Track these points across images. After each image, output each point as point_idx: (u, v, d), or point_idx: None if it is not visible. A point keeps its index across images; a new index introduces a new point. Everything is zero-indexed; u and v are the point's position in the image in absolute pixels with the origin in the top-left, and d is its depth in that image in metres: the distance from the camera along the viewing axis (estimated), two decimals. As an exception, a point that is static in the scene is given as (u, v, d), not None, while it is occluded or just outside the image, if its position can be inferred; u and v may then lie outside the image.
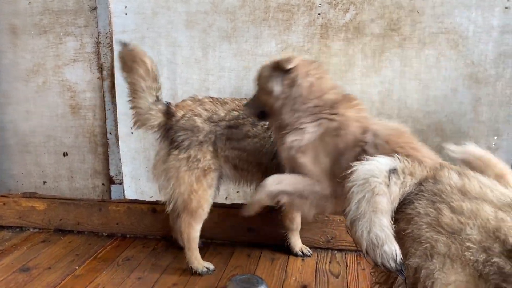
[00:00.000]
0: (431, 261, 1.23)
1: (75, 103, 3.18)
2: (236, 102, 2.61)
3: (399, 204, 1.35)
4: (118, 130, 3.12)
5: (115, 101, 3.07)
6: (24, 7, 3.09)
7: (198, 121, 2.53)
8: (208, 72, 2.95)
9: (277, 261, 2.73)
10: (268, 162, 2.52)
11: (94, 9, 2.99)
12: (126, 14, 2.97)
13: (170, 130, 2.57)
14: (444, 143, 2.66)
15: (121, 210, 3.11)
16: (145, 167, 3.16)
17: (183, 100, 2.63)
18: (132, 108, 2.59)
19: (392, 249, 1.23)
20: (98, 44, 3.04)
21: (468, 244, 1.19)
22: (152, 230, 3.10)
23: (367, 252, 1.26)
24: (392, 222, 1.28)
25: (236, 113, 2.56)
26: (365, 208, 1.27)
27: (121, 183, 3.20)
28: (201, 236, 3.01)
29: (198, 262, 2.60)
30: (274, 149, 2.46)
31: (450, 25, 2.63)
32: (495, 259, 1.16)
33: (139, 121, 2.58)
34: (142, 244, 3.00)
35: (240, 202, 3.06)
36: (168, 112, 2.56)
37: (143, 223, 3.10)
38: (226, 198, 3.09)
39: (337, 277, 2.54)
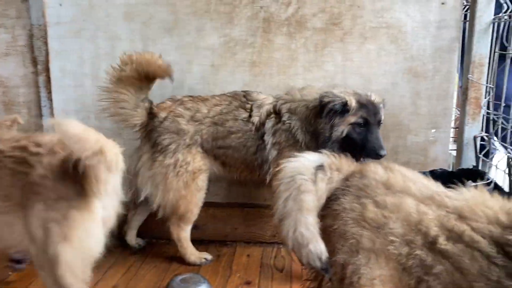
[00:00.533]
0: (356, 256, 1.23)
1: (8, 100, 3.00)
2: (216, 98, 2.57)
3: (326, 200, 1.34)
4: (56, 127, 2.96)
5: (51, 97, 2.92)
6: None
7: (182, 122, 2.49)
8: (150, 66, 2.84)
9: (222, 258, 2.70)
10: (251, 157, 2.49)
11: (26, -1, 2.82)
12: (61, 5, 2.82)
13: (153, 132, 2.51)
14: (385, 137, 2.72)
15: (60, 211, 2.96)
16: (85, 165, 3.02)
17: (162, 102, 2.58)
18: None
19: (317, 248, 1.22)
20: (31, 36, 2.87)
21: (391, 238, 1.20)
22: (94, 230, 2.97)
23: (293, 251, 1.24)
24: (318, 220, 1.27)
25: (219, 108, 2.52)
26: (291, 206, 1.26)
27: (61, 182, 3.05)
28: (146, 235, 2.95)
29: (195, 256, 2.62)
30: (256, 144, 2.47)
31: (390, 19, 2.67)
32: (418, 252, 1.17)
33: (121, 116, 2.51)
34: (83, 245, 2.88)
35: (185, 199, 2.99)
36: (151, 112, 2.53)
37: (84, 224, 2.97)
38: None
39: (281, 272, 2.53)
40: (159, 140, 2.50)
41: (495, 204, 1.17)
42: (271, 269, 2.56)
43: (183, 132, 2.48)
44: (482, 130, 2.70)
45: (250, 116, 2.48)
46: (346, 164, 1.39)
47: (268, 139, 2.44)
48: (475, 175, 2.53)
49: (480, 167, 2.65)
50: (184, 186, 2.49)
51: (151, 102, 2.58)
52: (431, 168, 2.60)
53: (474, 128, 2.70)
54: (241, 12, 2.74)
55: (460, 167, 2.70)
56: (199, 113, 2.51)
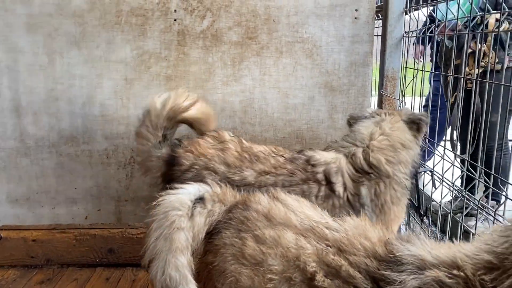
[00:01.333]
0: (236, 295, 1.16)
1: None
2: (272, 161, 1.91)
3: (208, 234, 1.26)
4: (-48, 147, 2.71)
5: None
6: None
7: (210, 179, 1.80)
8: (57, 81, 2.67)
9: (137, 283, 2.56)
10: None
11: None
12: (-47, 14, 2.58)
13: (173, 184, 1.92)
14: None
15: (-42, 239, 2.71)
16: (-12, 188, 2.78)
17: (201, 137, 2.04)
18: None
19: None
20: None
21: (269, 276, 1.13)
22: (-3, 259, 2.75)
23: None
24: (192, 259, 1.18)
25: (270, 178, 1.86)
26: (161, 246, 1.16)
27: (-40, 207, 2.80)
28: (56, 261, 2.76)
29: None
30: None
31: (305, 34, 2.65)
32: (297, 289, 1.11)
33: (142, 168, 2.08)
34: (-16, 276, 2.64)
35: (101, 222, 2.82)
36: (171, 159, 1.94)
37: (-14, 252, 2.73)
38: (86, 218, 2.84)
39: (198, 296, 2.43)
40: None
41: (374, 235, 1.14)
42: (188, 292, 2.46)
43: None
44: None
45: (332, 190, 1.87)
46: (231, 194, 1.32)
47: (368, 205, 1.89)
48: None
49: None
50: None
51: (173, 145, 2.03)
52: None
53: (389, 141, 2.73)
54: (154, 24, 2.63)
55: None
56: (238, 175, 1.86)
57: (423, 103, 4.01)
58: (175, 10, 2.62)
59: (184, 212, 1.21)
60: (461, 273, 0.95)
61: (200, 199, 1.26)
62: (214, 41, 2.66)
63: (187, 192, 1.26)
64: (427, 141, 2.59)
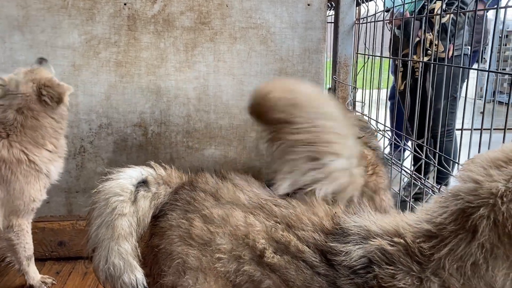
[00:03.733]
0: (184, 277, 1.13)
1: None
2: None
3: (154, 217, 1.23)
4: None
5: None
6: None
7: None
8: (-2, 67, 2.53)
9: (89, 276, 2.48)
10: None
11: None
12: None
13: None
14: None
15: None
16: None
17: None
18: None
19: (131, 278, 1.10)
20: None
21: (218, 255, 1.12)
22: None
23: (107, 284, 1.11)
24: (137, 245, 1.15)
25: None
26: (103, 234, 1.13)
27: None
28: (1, 258, 2.63)
29: None
30: None
31: (259, 20, 2.64)
32: (246, 267, 1.11)
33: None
34: None
35: (50, 215, 2.71)
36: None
37: None
38: (32, 210, 2.71)
39: (153, 286, 2.39)
40: None
41: (321, 210, 1.15)
42: (143, 283, 2.41)
43: None
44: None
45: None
46: (177, 176, 1.29)
47: None
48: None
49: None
50: None
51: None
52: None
53: (343, 127, 2.77)
54: (102, 8, 2.54)
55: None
56: None
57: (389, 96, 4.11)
58: (124, -6, 2.54)
59: (126, 197, 1.17)
60: (402, 240, 0.98)
61: (144, 183, 1.22)
62: (166, 26, 2.60)
63: (128, 176, 1.22)
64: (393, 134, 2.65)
